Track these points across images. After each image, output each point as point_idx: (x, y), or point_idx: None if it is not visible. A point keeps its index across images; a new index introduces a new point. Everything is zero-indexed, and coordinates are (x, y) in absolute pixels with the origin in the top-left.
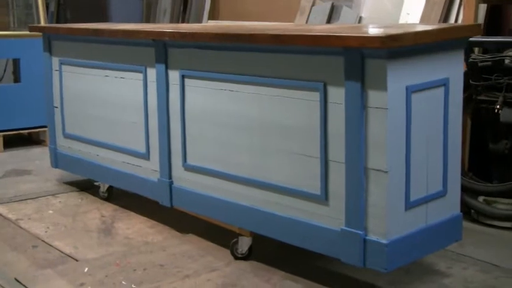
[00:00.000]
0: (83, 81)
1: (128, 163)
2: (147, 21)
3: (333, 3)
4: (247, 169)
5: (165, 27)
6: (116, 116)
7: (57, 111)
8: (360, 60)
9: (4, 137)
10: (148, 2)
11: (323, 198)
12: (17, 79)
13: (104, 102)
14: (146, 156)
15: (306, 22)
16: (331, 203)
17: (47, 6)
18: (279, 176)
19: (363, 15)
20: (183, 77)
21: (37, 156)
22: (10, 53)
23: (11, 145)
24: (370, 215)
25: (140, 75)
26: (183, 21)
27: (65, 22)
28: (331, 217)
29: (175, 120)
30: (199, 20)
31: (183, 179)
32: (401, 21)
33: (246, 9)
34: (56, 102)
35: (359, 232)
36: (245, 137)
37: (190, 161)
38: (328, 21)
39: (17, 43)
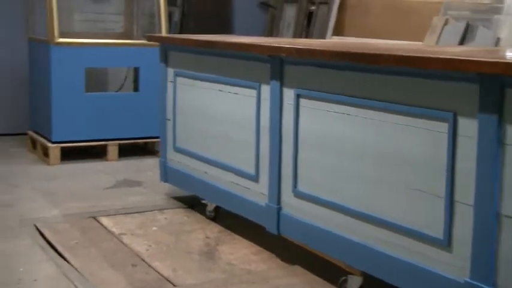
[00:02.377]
0: (196, 95)
1: (235, 183)
2: (270, 34)
3: (467, 23)
4: (360, 201)
5: (282, 42)
6: (226, 133)
7: (169, 124)
8: (498, 89)
9: (120, 145)
10: (272, 15)
11: (445, 243)
12: (136, 88)
13: (216, 117)
14: (255, 178)
15: (437, 42)
16: (455, 249)
17: (171, 16)
18: (395, 213)
19: (501, 36)
20: (298, 96)
21: (150, 167)
22: (130, 61)
23: (127, 154)
24: (501, 269)
25: (254, 92)
26: (306, 36)
27: (188, 32)
28: (453, 266)
29: (287, 142)
30: (323, 36)
31: (292, 205)
32: None
33: (372, 26)
34: (169, 115)
35: (486, 287)
36: (360, 166)
37: (301, 187)
38: (462, 42)
39: (137, 52)
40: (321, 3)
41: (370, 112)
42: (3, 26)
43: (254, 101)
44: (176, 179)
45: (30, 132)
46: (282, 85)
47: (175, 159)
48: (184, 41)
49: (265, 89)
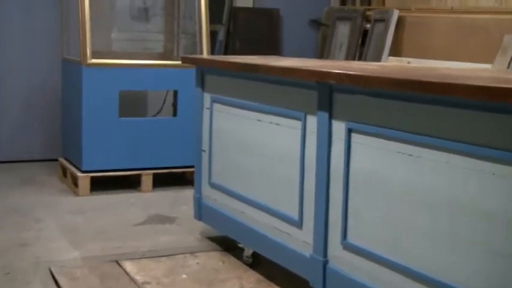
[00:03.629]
0: (234, 124)
1: (276, 228)
2: (321, 55)
3: None
4: (425, 262)
5: (332, 66)
6: (266, 169)
7: (205, 156)
8: None
9: (155, 175)
10: (324, 34)
11: None
12: (175, 113)
13: (255, 150)
14: (298, 223)
15: (509, 66)
16: None
17: (215, 35)
18: (474, 282)
19: None
20: (349, 130)
21: (186, 200)
22: (168, 84)
23: (162, 184)
24: None
25: (298, 124)
26: (360, 57)
27: (233, 53)
28: None
29: (336, 183)
30: (378, 56)
31: (340, 259)
32: None
33: (433, 45)
34: (205, 145)
35: None
36: (426, 218)
37: (352, 238)
38: None
39: (176, 73)
40: (377, 20)
41: (439, 154)
42: (39, 46)
43: (298, 133)
44: (211, 217)
45: (61, 159)
46: (330, 116)
47: (211, 196)
48: (222, 64)
49: (312, 121)
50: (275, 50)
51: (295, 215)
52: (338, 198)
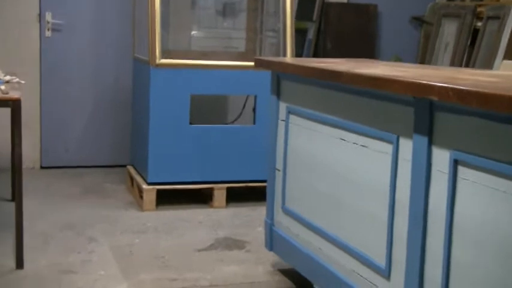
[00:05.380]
0: (313, 141)
1: (358, 274)
2: (423, 57)
3: None
4: None
5: (436, 77)
6: (349, 200)
7: (279, 176)
8: None
9: (229, 189)
10: (427, 33)
11: None
12: (255, 120)
13: (335, 175)
14: (385, 273)
15: None
16: None
17: (305, 33)
18: None
19: None
20: (455, 162)
21: (262, 221)
22: (246, 88)
23: (237, 199)
24: None
25: (389, 148)
26: (468, 60)
27: (324, 53)
28: None
29: (435, 231)
30: (491, 60)
31: None
32: None
33: None
34: (279, 164)
35: None
36: None
37: None
38: None
39: (256, 76)
40: (490, 18)
41: None
42: (110, 45)
43: (389, 160)
44: (283, 249)
45: (129, 167)
46: (430, 142)
47: (283, 223)
48: (299, 69)
49: (406, 145)
50: (371, 51)
51: (381, 263)
52: (437, 250)
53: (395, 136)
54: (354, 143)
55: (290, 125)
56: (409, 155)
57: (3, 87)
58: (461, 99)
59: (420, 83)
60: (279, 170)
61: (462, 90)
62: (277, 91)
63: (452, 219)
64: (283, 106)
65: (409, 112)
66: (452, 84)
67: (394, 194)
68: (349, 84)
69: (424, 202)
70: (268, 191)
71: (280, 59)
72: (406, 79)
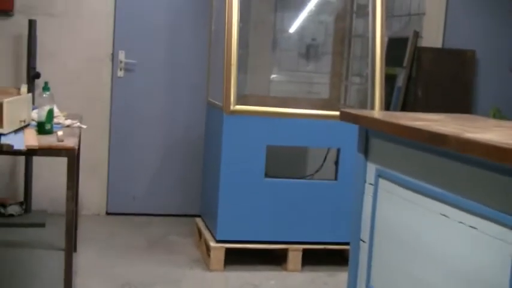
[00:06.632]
0: (407, 213)
1: None
2: None
3: None
4: None
5: None
6: None
7: (364, 248)
8: None
9: (305, 251)
10: None
11: None
12: (336, 175)
13: (433, 259)
14: None
15: None
16: None
17: (393, 79)
18: None
19: None
20: None
21: None
22: (328, 140)
23: (314, 262)
24: None
25: (507, 234)
26: None
27: (414, 101)
28: None
29: None
30: None
31: None
32: None
33: None
34: (364, 234)
35: None
36: None
37: None
38: None
39: (340, 127)
40: None
41: None
42: (183, 87)
43: (506, 249)
44: None
45: (198, 220)
46: None
47: None
48: (393, 128)
49: None
50: (466, 101)
51: None
52: None
53: None
54: (460, 223)
55: (380, 190)
56: None
57: (60, 132)
58: None
59: None
60: (364, 242)
61: None
62: (365, 149)
63: None
64: (371, 168)
65: None
66: None
67: None
68: (456, 151)
69: None
70: (350, 264)
71: (370, 113)
72: None
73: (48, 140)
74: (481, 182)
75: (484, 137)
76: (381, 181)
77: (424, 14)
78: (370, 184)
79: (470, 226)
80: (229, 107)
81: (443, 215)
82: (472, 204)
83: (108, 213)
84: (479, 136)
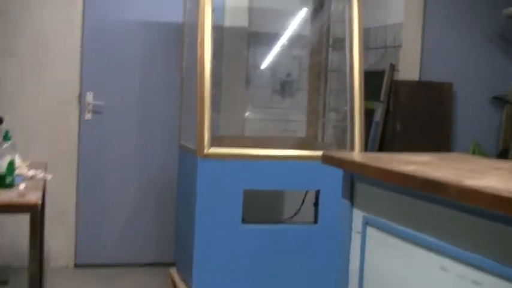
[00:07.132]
0: (400, 265)
1: None
2: (506, 142)
3: None
4: None
5: None
6: None
7: None
8: None
9: None
10: (510, 113)
11: None
12: (316, 218)
13: None
14: None
15: None
16: None
17: (371, 114)
18: None
19: None
20: None
21: None
22: (308, 182)
23: None
24: None
25: None
26: None
27: (393, 136)
28: None
29: None
30: None
31: None
32: None
33: None
34: (352, 285)
35: None
36: None
37: None
38: None
39: (318, 168)
40: None
41: None
42: (155, 129)
43: None
44: None
45: (172, 271)
46: None
47: None
48: (382, 173)
49: None
50: (445, 134)
51: None
52: None
53: None
54: (461, 276)
55: (368, 239)
56: None
57: (22, 186)
58: None
59: None
60: None
61: None
62: (350, 195)
63: None
64: (358, 215)
65: None
66: None
67: None
68: (455, 200)
69: None
70: None
71: (355, 156)
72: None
73: (8, 195)
74: (483, 232)
75: (487, 184)
76: (369, 229)
77: (400, 46)
78: (357, 232)
79: (473, 281)
80: (203, 151)
81: (442, 269)
82: (474, 257)
83: (77, 265)
84: (482, 183)
